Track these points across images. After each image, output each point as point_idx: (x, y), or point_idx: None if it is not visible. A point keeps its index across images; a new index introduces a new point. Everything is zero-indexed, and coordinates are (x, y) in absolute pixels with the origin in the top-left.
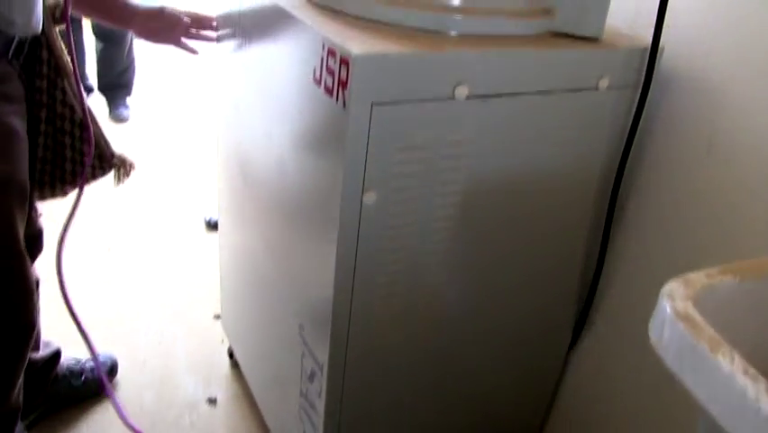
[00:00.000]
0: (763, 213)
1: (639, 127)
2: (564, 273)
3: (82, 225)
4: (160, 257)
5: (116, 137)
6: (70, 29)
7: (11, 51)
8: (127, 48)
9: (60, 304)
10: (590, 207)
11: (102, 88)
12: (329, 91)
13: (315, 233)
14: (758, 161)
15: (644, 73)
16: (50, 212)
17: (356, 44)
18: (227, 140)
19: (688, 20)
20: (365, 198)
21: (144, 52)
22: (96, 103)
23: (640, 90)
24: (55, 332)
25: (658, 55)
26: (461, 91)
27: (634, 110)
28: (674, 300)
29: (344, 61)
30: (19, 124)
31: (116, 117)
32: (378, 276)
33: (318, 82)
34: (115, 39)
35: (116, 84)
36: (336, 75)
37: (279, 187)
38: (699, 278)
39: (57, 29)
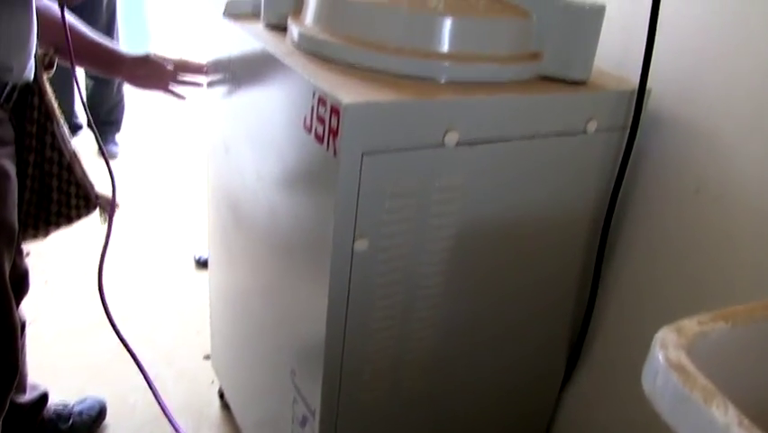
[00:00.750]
0: (752, 252)
1: (628, 168)
2: (555, 315)
3: (69, 264)
4: (149, 296)
5: (105, 174)
6: (75, 72)
7: (3, 96)
8: (117, 85)
9: (43, 349)
10: (581, 248)
11: (90, 125)
12: (319, 139)
13: (306, 277)
14: (746, 200)
15: (631, 115)
16: (39, 251)
17: (346, 93)
18: (217, 180)
19: (674, 61)
20: (356, 246)
21: (134, 89)
22: (85, 139)
23: (628, 132)
24: (42, 374)
25: (645, 97)
26: (452, 138)
27: (622, 151)
28: (667, 349)
29: (335, 110)
30: (9, 167)
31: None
32: (370, 322)
33: (309, 129)
34: (104, 77)
35: (105, 121)
36: (327, 123)
37: (270, 230)
38: (691, 325)
39: (47, 76)
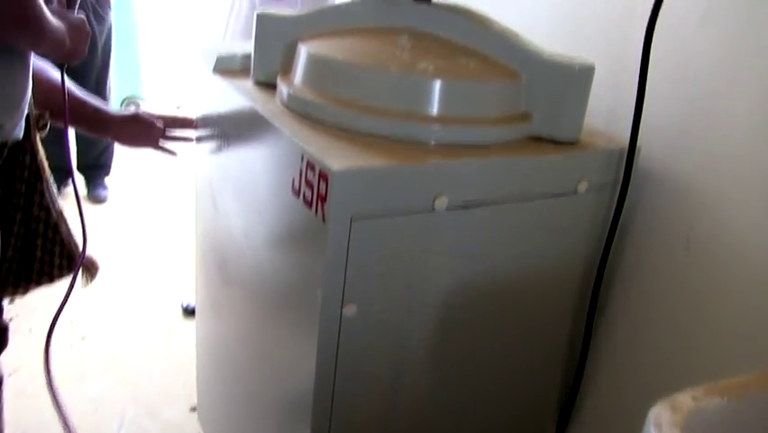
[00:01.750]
0: (745, 308)
1: (618, 226)
2: (547, 373)
3: (55, 307)
4: (135, 345)
5: (94, 218)
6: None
7: None
8: None
9: (25, 401)
10: (572, 306)
11: (81, 168)
12: (308, 203)
13: (294, 338)
14: (737, 255)
15: (622, 173)
16: (23, 299)
17: (335, 158)
18: (204, 233)
19: (662, 118)
20: (345, 311)
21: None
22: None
23: (618, 190)
24: (24, 426)
25: (636, 155)
26: (441, 203)
27: (613, 209)
28: (661, 428)
29: (324, 176)
30: None
31: (95, 198)
32: (358, 382)
33: (297, 193)
34: None
35: (95, 164)
36: (315, 188)
37: (257, 288)
38: (685, 401)
39: (40, 136)
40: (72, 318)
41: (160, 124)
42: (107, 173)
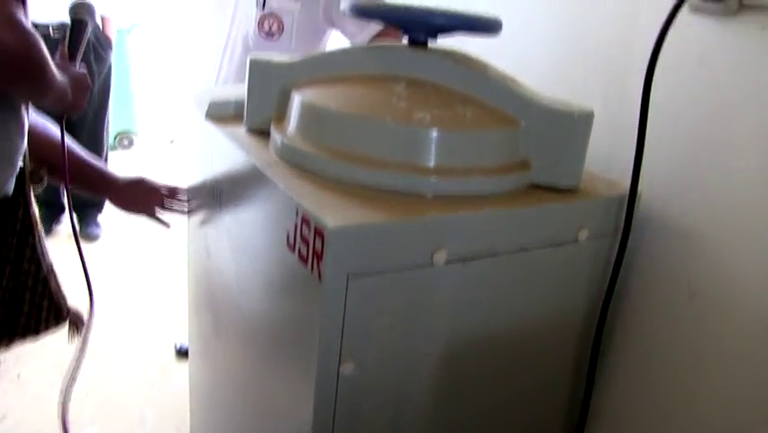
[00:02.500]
0: (750, 361)
1: (620, 274)
2: (547, 425)
3: (42, 358)
4: (127, 388)
5: (87, 256)
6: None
7: None
8: None
9: None
10: (573, 356)
11: (74, 206)
12: (303, 260)
13: (290, 394)
14: (742, 306)
15: (623, 219)
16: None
17: (331, 214)
18: (197, 277)
19: (663, 164)
20: (342, 369)
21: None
22: (68, 221)
23: (619, 237)
24: None
25: (636, 202)
26: (440, 257)
27: (613, 257)
28: None
29: (319, 233)
30: None
31: (87, 236)
32: None
33: (292, 248)
34: None
35: (88, 202)
36: (311, 244)
37: (251, 337)
38: None
39: (35, 191)
40: (62, 362)
41: (164, 192)
42: (100, 211)
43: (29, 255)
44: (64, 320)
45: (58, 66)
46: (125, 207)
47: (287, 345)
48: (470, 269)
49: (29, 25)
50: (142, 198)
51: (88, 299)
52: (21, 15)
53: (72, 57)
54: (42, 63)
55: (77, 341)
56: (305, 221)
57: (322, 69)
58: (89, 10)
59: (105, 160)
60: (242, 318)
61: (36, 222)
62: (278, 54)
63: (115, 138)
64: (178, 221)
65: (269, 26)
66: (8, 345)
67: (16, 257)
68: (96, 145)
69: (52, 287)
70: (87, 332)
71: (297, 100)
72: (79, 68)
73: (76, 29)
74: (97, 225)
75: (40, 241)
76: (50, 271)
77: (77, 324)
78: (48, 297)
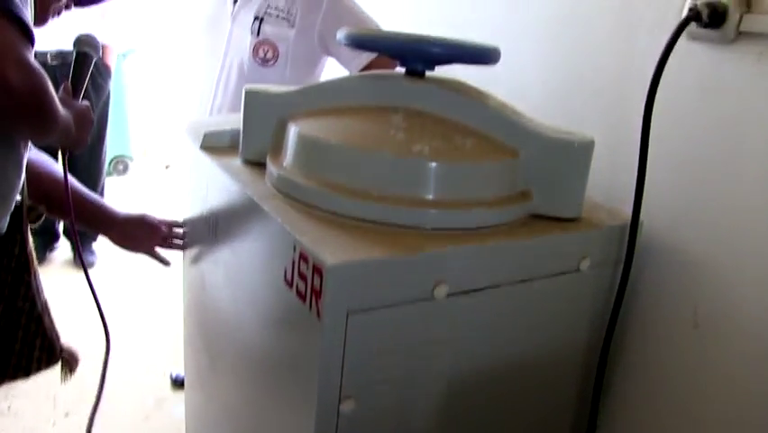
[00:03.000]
0: (755, 391)
1: (623, 303)
2: None
3: (33, 389)
4: (122, 421)
5: (81, 284)
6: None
7: None
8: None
9: None
10: (576, 387)
11: (67, 233)
12: (302, 297)
13: (289, 431)
14: (748, 335)
15: (624, 248)
16: None
17: (330, 251)
18: (193, 309)
19: (664, 193)
20: (343, 408)
21: (114, 197)
22: (62, 249)
23: (622, 266)
24: None
25: (638, 231)
26: (441, 291)
27: (616, 286)
28: None
29: (318, 270)
30: None
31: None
32: None
33: (289, 284)
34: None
35: (83, 230)
36: (309, 281)
37: (248, 371)
38: None
39: (32, 227)
40: (55, 394)
41: (165, 229)
42: (95, 238)
43: (23, 293)
44: (57, 360)
45: (61, 101)
46: (126, 244)
47: (285, 380)
48: (471, 301)
49: (38, 67)
50: (143, 236)
51: (104, 333)
52: (31, 57)
53: (76, 91)
54: (50, 105)
55: (69, 378)
56: (303, 257)
57: (318, 99)
58: (93, 43)
59: (102, 187)
60: (238, 352)
61: (32, 260)
62: (274, 85)
63: (110, 163)
64: (176, 251)
65: (264, 53)
66: None
67: (11, 294)
68: (93, 173)
69: (46, 324)
70: (106, 367)
71: (293, 132)
72: (81, 101)
73: (80, 62)
74: (92, 252)
75: (35, 278)
76: (45, 308)
77: (70, 363)
78: (41, 335)
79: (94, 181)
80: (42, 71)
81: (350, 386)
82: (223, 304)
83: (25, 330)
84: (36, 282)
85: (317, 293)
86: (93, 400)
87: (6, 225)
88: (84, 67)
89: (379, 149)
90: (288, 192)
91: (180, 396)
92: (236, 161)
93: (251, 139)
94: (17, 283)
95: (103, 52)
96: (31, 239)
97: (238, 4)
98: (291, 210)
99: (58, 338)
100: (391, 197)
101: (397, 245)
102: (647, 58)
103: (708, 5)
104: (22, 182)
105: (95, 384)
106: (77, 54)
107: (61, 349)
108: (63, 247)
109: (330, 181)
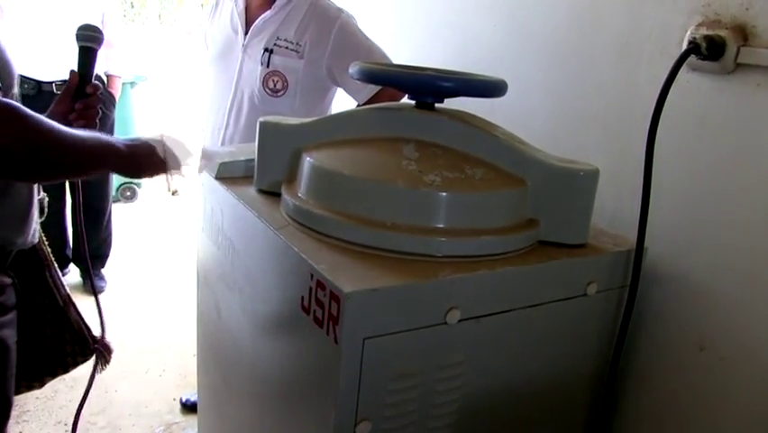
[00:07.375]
0: (763, 415)
1: (629, 328)
2: None
3: (46, 409)
4: None
5: (91, 309)
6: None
7: (7, 263)
8: (105, 223)
9: None
10: (584, 409)
11: (77, 260)
12: (319, 323)
13: None
14: (755, 360)
15: (630, 274)
16: None
17: (346, 279)
18: (208, 340)
19: (668, 219)
20: (358, 430)
21: (121, 224)
22: (72, 274)
23: (628, 291)
24: None
25: (643, 256)
26: (453, 316)
27: (622, 310)
28: None
29: (335, 297)
30: (11, 337)
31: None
32: None
33: (307, 311)
34: (93, 215)
35: (92, 256)
36: (326, 308)
37: (264, 398)
38: None
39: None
40: (65, 418)
41: None
42: (103, 264)
43: (42, 290)
44: (91, 352)
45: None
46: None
47: (301, 404)
48: (482, 325)
49: (13, 109)
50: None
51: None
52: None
53: (84, 81)
54: (48, 136)
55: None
56: (320, 285)
57: (332, 131)
58: (93, 35)
59: (109, 213)
60: (254, 377)
61: (46, 255)
62: (287, 117)
63: (118, 190)
64: (184, 278)
65: (274, 84)
66: (41, 384)
67: (32, 294)
68: (99, 200)
69: (72, 317)
70: (93, 375)
71: (308, 163)
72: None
73: (83, 55)
74: (101, 278)
75: (51, 273)
76: (68, 301)
77: (105, 354)
78: (69, 328)
79: (101, 208)
80: (18, 109)
81: (365, 409)
82: (238, 330)
83: (53, 325)
84: (53, 276)
85: (335, 319)
86: (102, 425)
87: (37, 238)
88: (87, 59)
89: (392, 180)
90: (302, 221)
91: (190, 420)
92: (250, 190)
93: (266, 169)
94: (35, 282)
95: (108, 81)
96: (42, 234)
97: (249, 35)
98: (307, 239)
99: (87, 329)
100: (404, 226)
101: (410, 273)
102: (649, 88)
103: (707, 38)
104: (38, 195)
105: (104, 408)
106: (80, 49)
107: (95, 340)
108: (73, 273)
109: (344, 211)
